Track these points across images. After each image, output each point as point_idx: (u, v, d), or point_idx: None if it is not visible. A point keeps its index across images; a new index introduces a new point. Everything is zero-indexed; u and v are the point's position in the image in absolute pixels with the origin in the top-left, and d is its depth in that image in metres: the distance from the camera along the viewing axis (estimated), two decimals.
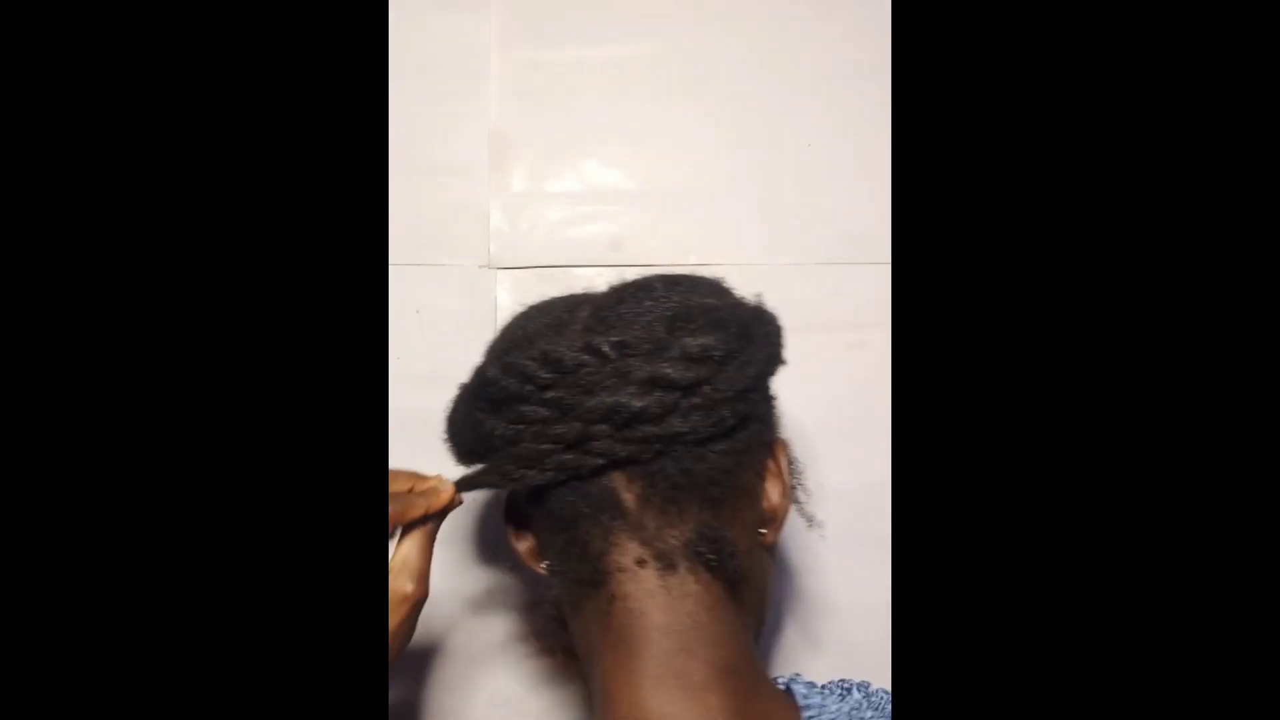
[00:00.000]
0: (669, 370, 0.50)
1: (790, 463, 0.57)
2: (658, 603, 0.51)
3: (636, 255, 0.81)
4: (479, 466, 0.57)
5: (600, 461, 0.51)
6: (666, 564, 0.51)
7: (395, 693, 0.75)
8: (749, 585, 0.54)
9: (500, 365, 0.53)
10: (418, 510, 0.57)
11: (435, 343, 0.80)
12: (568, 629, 0.57)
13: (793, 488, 0.57)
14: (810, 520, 0.60)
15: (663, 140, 0.82)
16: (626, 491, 0.52)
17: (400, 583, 0.56)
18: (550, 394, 0.51)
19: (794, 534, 0.79)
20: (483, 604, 0.79)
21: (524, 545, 0.60)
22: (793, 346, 0.72)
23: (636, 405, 0.50)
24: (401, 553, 0.57)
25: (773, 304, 0.61)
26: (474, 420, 0.56)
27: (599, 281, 0.80)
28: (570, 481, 0.52)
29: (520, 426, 0.53)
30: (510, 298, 0.80)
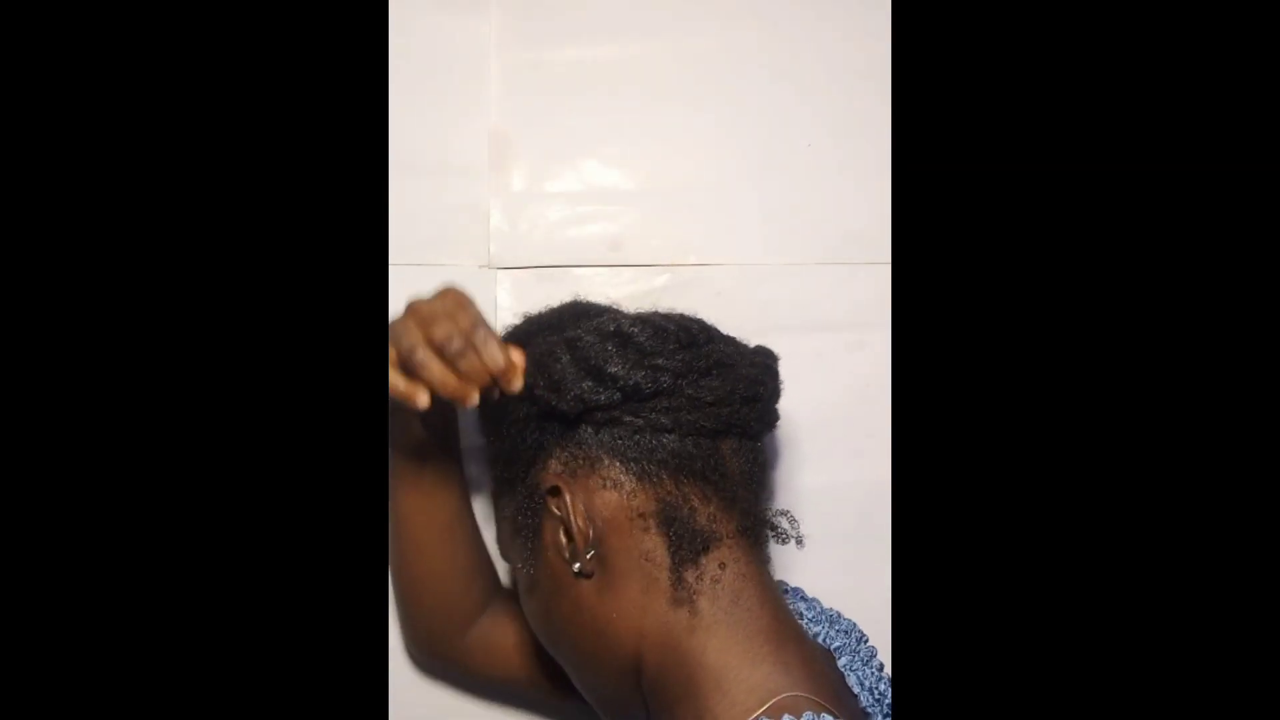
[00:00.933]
0: (768, 365, 0.60)
1: None
2: (755, 568, 0.57)
3: (636, 255, 0.81)
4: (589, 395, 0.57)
5: (724, 427, 0.57)
6: (753, 536, 0.58)
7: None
8: None
9: (643, 324, 0.57)
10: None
11: None
12: (631, 616, 0.56)
13: None
14: None
15: (663, 140, 0.82)
16: (731, 463, 0.58)
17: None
18: (681, 357, 0.57)
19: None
20: None
21: (582, 529, 0.57)
22: (793, 346, 0.71)
23: (759, 388, 0.58)
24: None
25: (773, 304, 0.62)
26: (601, 367, 0.56)
27: (598, 281, 0.81)
28: (696, 439, 0.57)
29: (655, 381, 0.56)
30: (510, 298, 0.80)
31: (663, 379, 0.56)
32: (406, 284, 0.79)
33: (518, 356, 0.58)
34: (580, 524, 0.57)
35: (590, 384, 0.56)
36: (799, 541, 0.62)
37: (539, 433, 0.59)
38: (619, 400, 0.56)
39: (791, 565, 0.79)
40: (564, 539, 0.58)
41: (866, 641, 0.64)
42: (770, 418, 0.62)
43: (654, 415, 0.56)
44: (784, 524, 0.62)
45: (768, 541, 0.60)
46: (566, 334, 0.59)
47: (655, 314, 0.60)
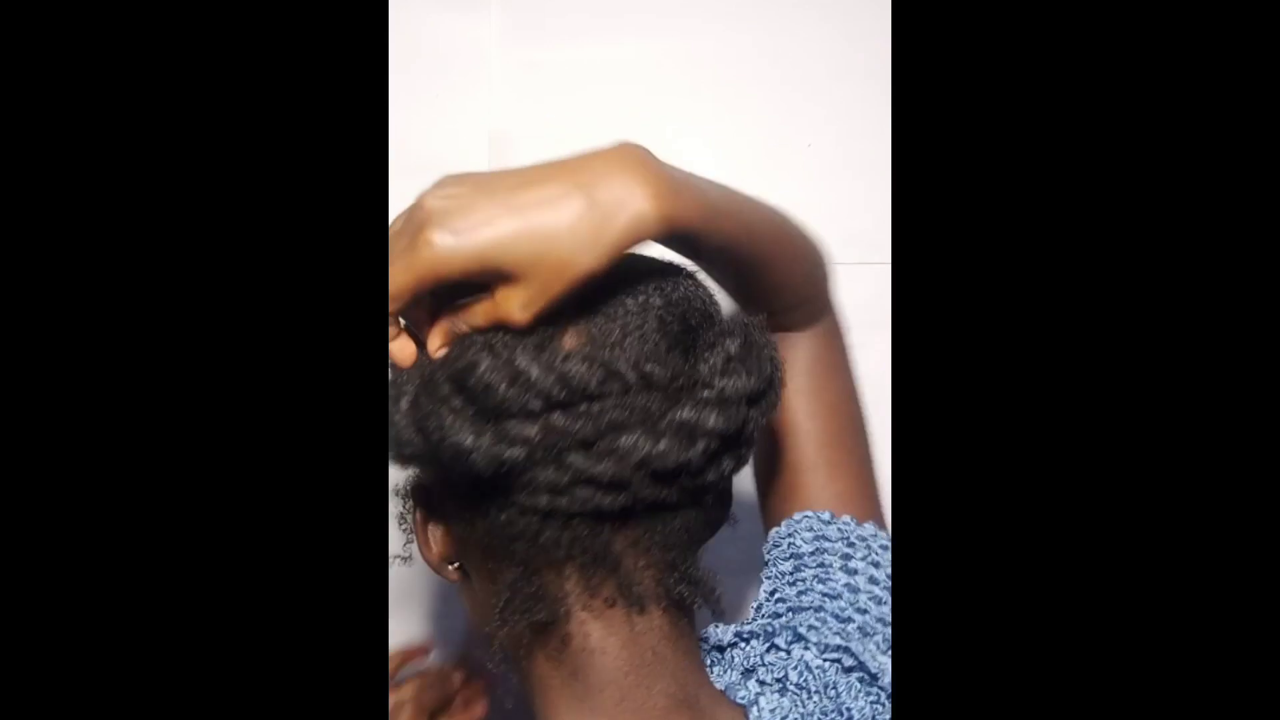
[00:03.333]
0: (712, 420, 0.44)
1: None
2: (620, 640, 0.48)
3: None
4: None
5: (623, 507, 0.45)
6: (638, 605, 0.48)
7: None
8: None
9: (506, 371, 0.44)
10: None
11: None
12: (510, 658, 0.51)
13: None
14: None
15: (663, 140, 0.81)
16: (619, 534, 0.46)
17: None
18: (557, 417, 0.43)
19: None
20: None
21: (436, 550, 0.53)
22: None
23: (682, 457, 0.43)
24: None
25: None
26: (447, 428, 0.44)
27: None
28: (578, 520, 0.46)
29: (525, 451, 0.44)
30: None
31: (474, 461, 0.44)
32: None
33: None
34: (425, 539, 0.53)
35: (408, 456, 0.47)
36: (713, 611, 0.51)
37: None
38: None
39: None
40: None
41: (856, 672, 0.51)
42: (712, 483, 0.47)
43: (531, 504, 0.45)
44: (692, 595, 0.49)
45: (679, 606, 0.50)
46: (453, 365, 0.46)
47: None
